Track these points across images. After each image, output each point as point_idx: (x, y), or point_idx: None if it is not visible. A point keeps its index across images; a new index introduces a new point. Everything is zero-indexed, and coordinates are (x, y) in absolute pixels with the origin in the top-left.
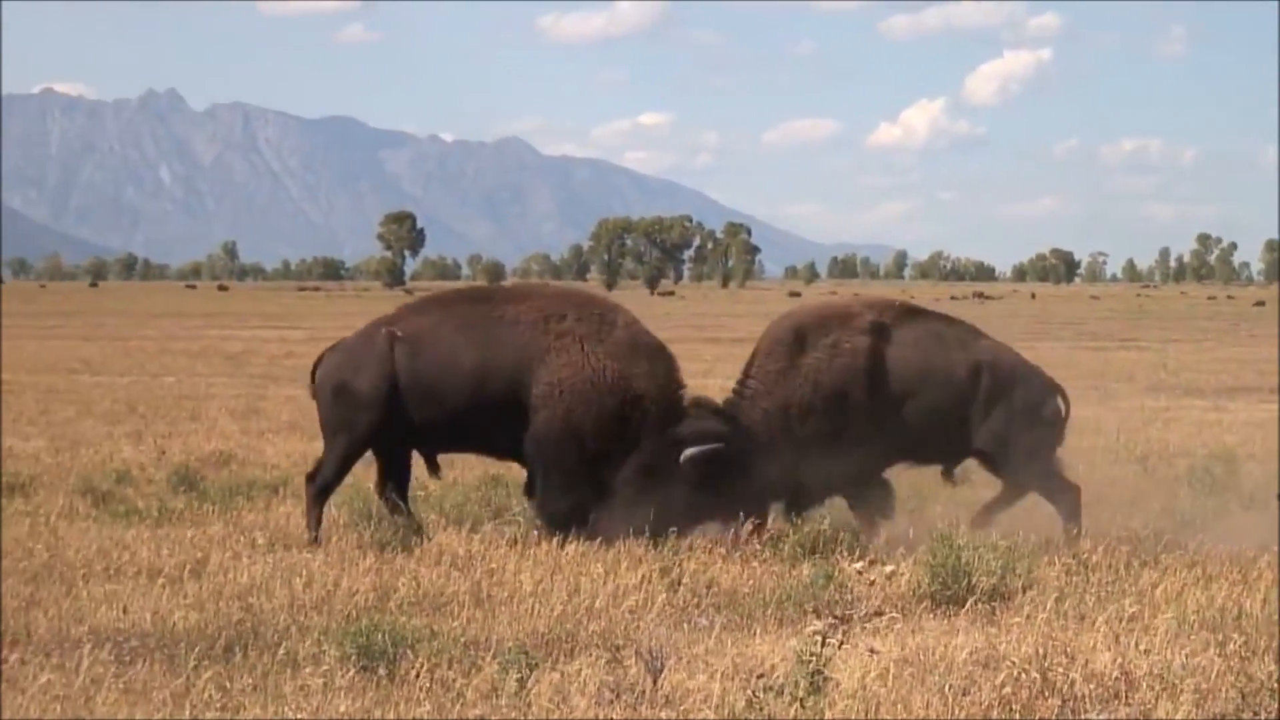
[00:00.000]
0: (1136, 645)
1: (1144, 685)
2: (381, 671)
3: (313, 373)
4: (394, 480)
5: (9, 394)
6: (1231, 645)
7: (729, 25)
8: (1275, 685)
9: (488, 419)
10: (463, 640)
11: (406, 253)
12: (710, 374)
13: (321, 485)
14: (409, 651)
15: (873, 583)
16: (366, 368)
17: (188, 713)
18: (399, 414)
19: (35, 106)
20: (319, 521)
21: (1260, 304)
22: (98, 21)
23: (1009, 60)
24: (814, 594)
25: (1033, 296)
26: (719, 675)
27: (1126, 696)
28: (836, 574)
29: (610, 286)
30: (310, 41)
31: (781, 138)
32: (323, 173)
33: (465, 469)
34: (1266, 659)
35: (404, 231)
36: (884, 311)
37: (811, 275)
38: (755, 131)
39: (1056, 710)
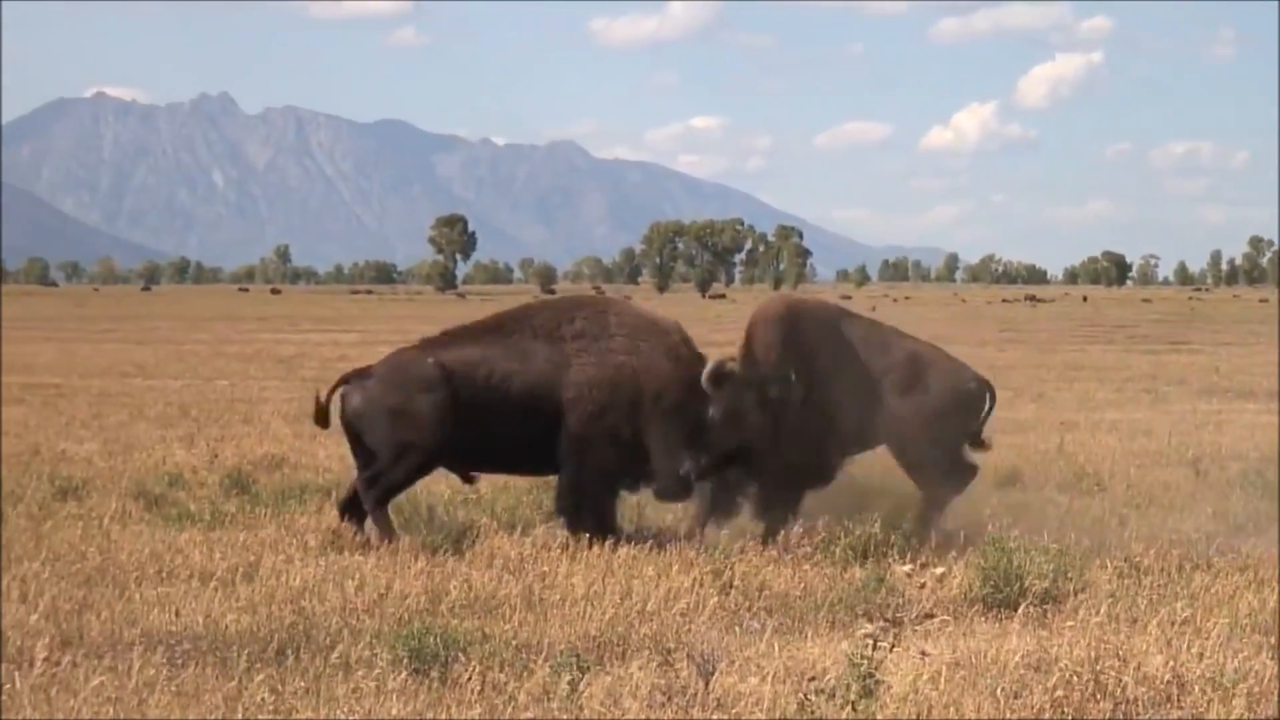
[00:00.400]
0: (1188, 649)
1: (1196, 689)
2: (433, 674)
3: (319, 404)
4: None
5: (61, 398)
6: None
7: (779, 27)
8: None
9: (530, 437)
10: (514, 643)
11: (458, 256)
12: None
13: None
14: (461, 654)
15: (924, 586)
16: (423, 396)
17: (240, 715)
18: (449, 444)
19: (88, 111)
20: (388, 524)
21: None
22: (150, 25)
23: (1060, 63)
24: (865, 597)
25: (1084, 299)
26: (770, 678)
27: (1178, 700)
28: (888, 577)
29: (662, 290)
30: (362, 44)
31: (833, 141)
32: (375, 176)
33: None
34: None
35: (456, 235)
36: (822, 313)
37: (863, 278)
38: (807, 135)
39: (1108, 713)
